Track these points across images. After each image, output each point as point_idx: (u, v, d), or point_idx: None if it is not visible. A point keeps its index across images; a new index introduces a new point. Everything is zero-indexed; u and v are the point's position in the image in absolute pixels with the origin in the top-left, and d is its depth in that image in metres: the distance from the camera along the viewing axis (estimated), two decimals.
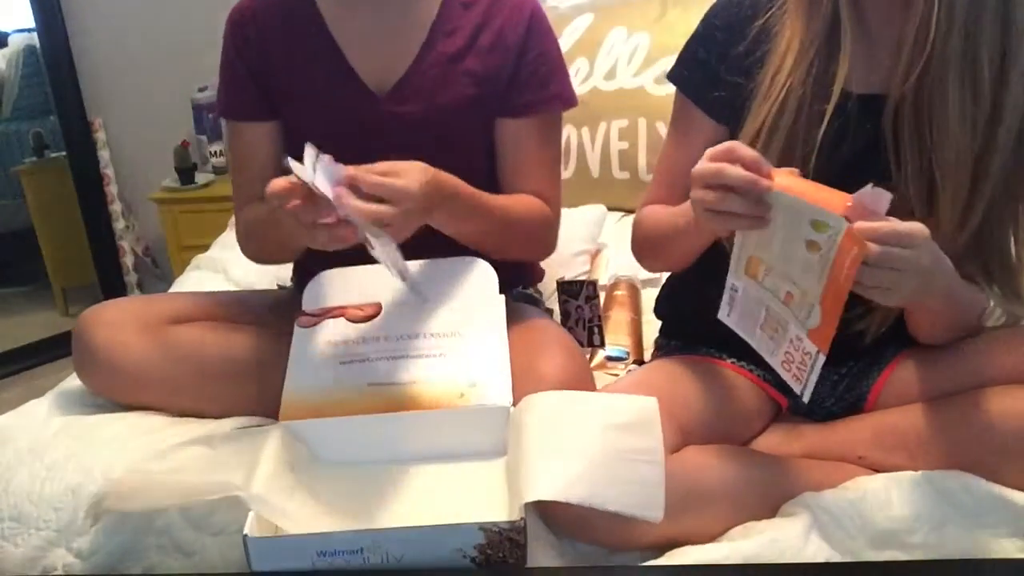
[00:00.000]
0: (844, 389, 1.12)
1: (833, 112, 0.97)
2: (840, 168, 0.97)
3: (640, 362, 1.36)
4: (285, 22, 1.22)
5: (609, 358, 1.39)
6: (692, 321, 1.19)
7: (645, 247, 1.16)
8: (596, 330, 1.36)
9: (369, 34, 1.20)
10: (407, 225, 0.99)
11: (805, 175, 0.91)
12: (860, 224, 0.80)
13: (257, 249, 1.28)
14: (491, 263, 1.14)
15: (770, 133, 0.99)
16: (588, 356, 1.35)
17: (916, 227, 0.83)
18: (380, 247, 0.97)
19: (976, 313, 1.02)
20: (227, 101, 1.28)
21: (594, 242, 1.72)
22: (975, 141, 0.93)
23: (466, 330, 1.05)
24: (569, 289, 1.37)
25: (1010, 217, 1.00)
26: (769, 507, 0.95)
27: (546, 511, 0.92)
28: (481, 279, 1.12)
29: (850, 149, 0.99)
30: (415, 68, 1.20)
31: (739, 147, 0.86)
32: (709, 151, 0.88)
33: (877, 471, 0.99)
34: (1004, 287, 1.02)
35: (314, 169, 0.91)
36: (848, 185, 0.91)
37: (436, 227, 1.08)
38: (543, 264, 1.45)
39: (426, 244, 1.17)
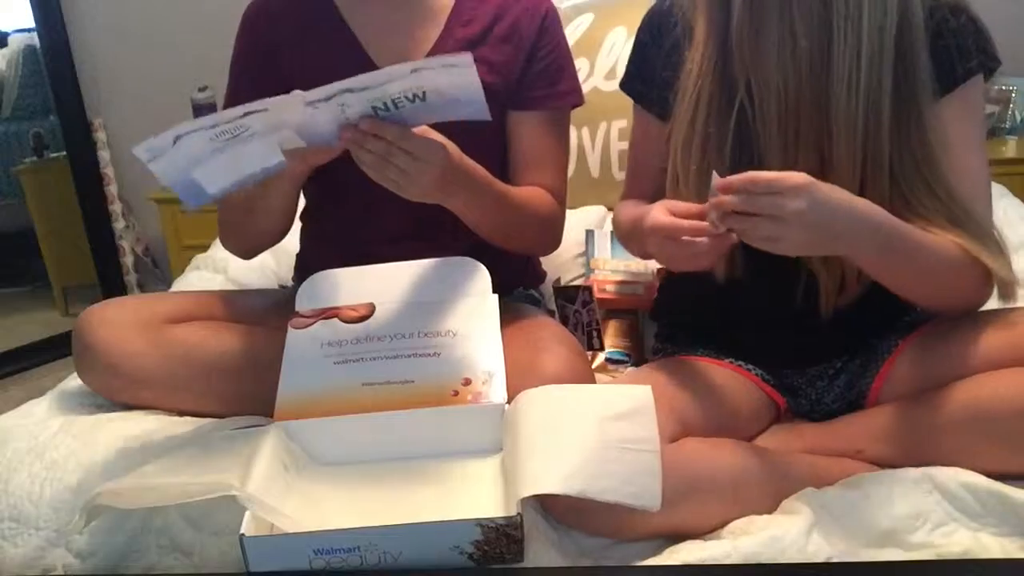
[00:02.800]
0: (844, 387, 1.12)
1: (740, 104, 1.02)
2: (752, 145, 1.03)
3: (641, 364, 1.36)
4: (300, 16, 1.25)
5: (610, 360, 1.39)
6: (688, 324, 1.20)
7: (622, 239, 1.24)
8: (595, 333, 1.36)
9: (387, 25, 1.23)
10: (421, 179, 1.00)
11: (723, 165, 1.01)
12: (717, 180, 0.90)
13: (233, 231, 1.27)
14: (493, 264, 1.14)
15: (690, 130, 1.05)
16: (588, 359, 1.35)
17: (780, 175, 0.88)
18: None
19: (950, 267, 0.99)
20: (235, 95, 1.29)
21: None
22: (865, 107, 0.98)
23: (460, 329, 1.05)
24: (565, 294, 1.38)
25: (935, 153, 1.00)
26: (769, 500, 0.95)
27: (545, 502, 0.92)
28: (474, 278, 1.12)
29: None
30: (432, 55, 1.21)
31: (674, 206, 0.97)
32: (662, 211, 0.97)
33: (876, 464, 0.99)
34: (973, 236, 1.00)
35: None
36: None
37: (450, 208, 1.10)
38: (544, 266, 1.45)
39: (424, 243, 1.18)
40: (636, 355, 1.41)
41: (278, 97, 0.93)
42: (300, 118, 0.96)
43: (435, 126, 1.03)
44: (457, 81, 0.93)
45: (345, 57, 1.23)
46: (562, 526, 0.93)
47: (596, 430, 0.89)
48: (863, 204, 0.93)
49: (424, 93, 0.94)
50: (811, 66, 0.98)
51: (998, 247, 1.00)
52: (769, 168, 0.99)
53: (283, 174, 1.04)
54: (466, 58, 0.90)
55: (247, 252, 1.31)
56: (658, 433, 0.89)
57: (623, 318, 1.46)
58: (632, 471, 0.86)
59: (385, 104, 0.95)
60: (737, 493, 0.94)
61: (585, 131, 1.83)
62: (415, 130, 0.99)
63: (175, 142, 0.93)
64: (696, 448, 0.96)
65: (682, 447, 0.95)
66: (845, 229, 0.91)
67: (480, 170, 1.11)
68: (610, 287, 1.46)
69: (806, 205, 0.87)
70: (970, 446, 0.94)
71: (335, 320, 1.09)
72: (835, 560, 0.88)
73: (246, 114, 0.93)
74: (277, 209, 1.18)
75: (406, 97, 0.94)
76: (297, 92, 0.93)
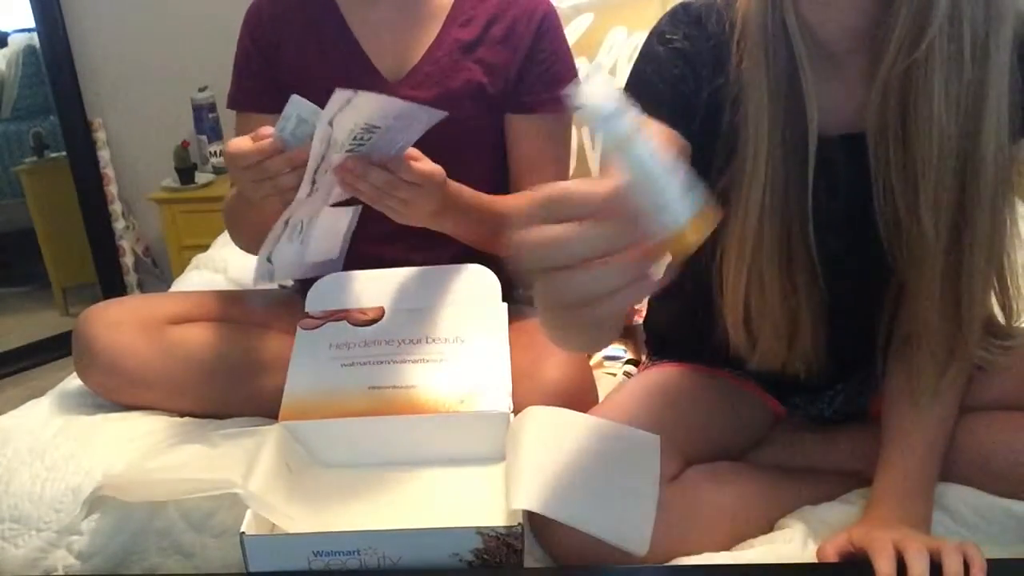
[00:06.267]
0: (842, 403, 1.11)
1: (818, 162, 0.88)
2: (839, 216, 0.91)
3: (636, 361, 1.36)
4: (302, 13, 1.26)
5: (607, 357, 1.38)
6: (682, 339, 1.16)
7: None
8: None
9: (385, 24, 1.24)
10: (422, 206, 1.02)
11: (805, 231, 0.88)
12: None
13: (236, 231, 1.28)
14: (492, 266, 1.14)
15: (763, 196, 0.88)
16: (588, 361, 1.35)
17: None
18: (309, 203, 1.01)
19: None
20: (238, 92, 1.30)
21: None
22: (960, 128, 0.83)
23: (468, 336, 1.05)
24: None
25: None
26: (768, 525, 0.94)
27: (541, 537, 0.90)
28: (484, 286, 1.12)
29: (844, 194, 0.91)
30: (428, 56, 1.23)
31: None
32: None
33: None
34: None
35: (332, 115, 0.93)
36: (849, 233, 0.88)
37: (439, 229, 1.11)
38: None
39: (421, 242, 1.18)
40: (634, 351, 1.40)
41: (291, 206, 0.99)
42: (317, 198, 1.01)
43: (427, 149, 1.03)
44: (378, 107, 0.93)
45: (344, 56, 1.24)
46: None
47: (597, 465, 0.88)
48: None
49: (370, 125, 0.95)
50: (969, 106, 0.82)
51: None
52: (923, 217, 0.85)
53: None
54: (347, 92, 0.89)
55: (249, 249, 1.32)
56: (659, 479, 0.86)
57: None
58: (626, 514, 0.83)
59: (351, 148, 0.97)
60: (736, 525, 0.93)
61: (585, 131, 1.83)
62: (410, 157, 1.01)
63: (270, 260, 1.05)
64: (696, 483, 0.94)
65: (683, 485, 0.93)
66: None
67: (468, 190, 1.12)
68: None
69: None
70: (974, 483, 0.93)
71: (344, 322, 1.09)
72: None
73: (287, 221, 1.01)
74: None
75: (362, 135, 0.96)
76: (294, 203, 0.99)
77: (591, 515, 0.82)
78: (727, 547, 0.92)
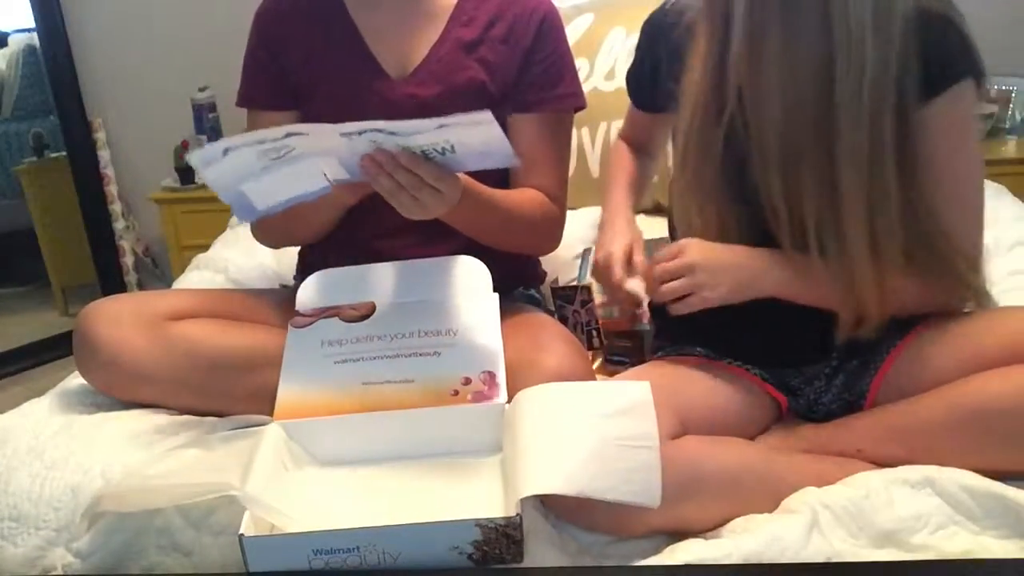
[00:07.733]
0: (841, 387, 1.12)
1: (731, 116, 1.02)
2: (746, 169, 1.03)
3: (641, 363, 1.36)
4: (310, 13, 1.27)
5: (610, 361, 1.38)
6: (686, 322, 1.19)
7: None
8: (595, 333, 1.36)
9: (391, 24, 1.25)
10: (436, 209, 1.03)
11: (714, 172, 1.04)
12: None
13: (270, 232, 1.30)
14: (493, 264, 1.14)
15: (687, 136, 1.07)
16: (589, 358, 1.35)
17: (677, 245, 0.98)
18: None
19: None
20: (248, 90, 1.32)
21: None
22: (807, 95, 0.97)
23: (460, 328, 1.06)
24: (563, 295, 1.37)
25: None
26: (770, 499, 0.95)
27: (546, 500, 0.93)
28: (474, 277, 1.13)
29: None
30: (432, 55, 1.24)
31: None
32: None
33: (876, 464, 0.99)
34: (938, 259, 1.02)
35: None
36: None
37: (444, 220, 1.11)
38: (544, 266, 1.46)
39: (425, 237, 1.18)
40: (637, 355, 1.41)
41: (315, 124, 0.96)
42: (336, 147, 0.99)
43: None
44: (482, 136, 0.95)
45: (349, 55, 1.25)
46: (562, 524, 0.93)
47: (595, 428, 0.89)
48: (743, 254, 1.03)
49: (452, 146, 0.96)
50: (813, 88, 0.97)
51: (965, 266, 1.02)
52: (767, 184, 1.01)
53: (333, 202, 1.09)
54: (486, 115, 0.91)
55: (279, 247, 1.37)
56: (657, 429, 0.89)
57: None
58: (631, 468, 0.86)
59: (415, 154, 0.98)
60: (738, 491, 0.94)
61: (585, 131, 1.83)
62: None
63: (225, 153, 0.98)
64: (697, 446, 0.96)
65: (683, 444, 0.95)
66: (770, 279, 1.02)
67: (482, 189, 1.13)
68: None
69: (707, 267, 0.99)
70: (970, 445, 0.94)
71: (336, 319, 1.09)
72: (835, 560, 0.88)
73: (288, 135, 0.96)
74: (317, 223, 1.23)
75: (435, 150, 0.97)
76: (332, 125, 0.96)
77: (600, 482, 0.84)
78: (728, 517, 0.93)
